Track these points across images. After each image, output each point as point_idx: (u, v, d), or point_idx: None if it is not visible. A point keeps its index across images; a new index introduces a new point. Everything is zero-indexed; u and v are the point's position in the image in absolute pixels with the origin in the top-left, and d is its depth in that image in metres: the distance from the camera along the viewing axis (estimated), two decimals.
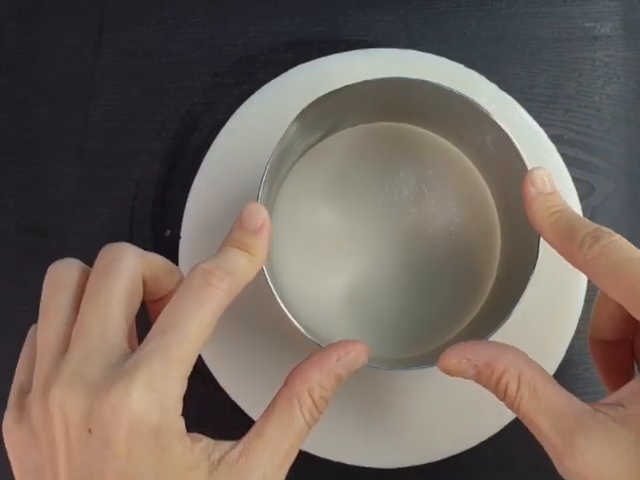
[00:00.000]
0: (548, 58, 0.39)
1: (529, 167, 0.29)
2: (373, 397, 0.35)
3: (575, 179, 0.36)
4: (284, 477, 0.25)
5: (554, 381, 0.25)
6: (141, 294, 0.26)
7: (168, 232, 0.38)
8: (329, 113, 0.33)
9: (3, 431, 0.25)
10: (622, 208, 0.38)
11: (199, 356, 0.35)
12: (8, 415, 0.25)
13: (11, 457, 0.25)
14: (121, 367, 0.23)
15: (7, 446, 0.25)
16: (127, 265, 0.25)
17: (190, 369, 0.24)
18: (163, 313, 0.24)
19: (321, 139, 0.36)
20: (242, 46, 0.39)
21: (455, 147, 0.36)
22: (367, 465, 0.35)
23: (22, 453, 0.25)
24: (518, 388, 0.25)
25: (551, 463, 0.37)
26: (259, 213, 0.26)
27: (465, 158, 0.36)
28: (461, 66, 0.36)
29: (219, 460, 0.24)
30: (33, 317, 0.38)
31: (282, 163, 0.33)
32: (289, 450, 0.25)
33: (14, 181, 0.39)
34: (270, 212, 0.35)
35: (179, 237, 0.36)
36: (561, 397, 0.25)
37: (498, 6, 0.39)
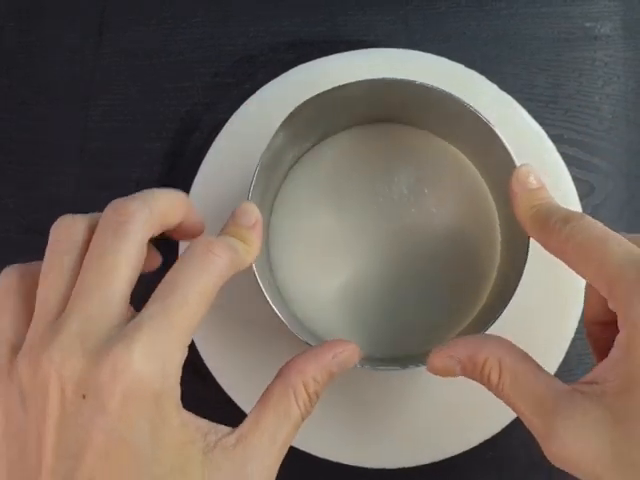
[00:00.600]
0: (548, 58, 0.39)
1: (518, 164, 0.30)
2: (373, 397, 0.35)
3: (575, 179, 0.36)
4: (277, 468, 0.25)
5: (535, 364, 0.25)
6: (145, 255, 0.25)
7: None
8: (320, 116, 0.33)
9: None
10: (622, 207, 0.38)
11: (199, 356, 0.35)
12: None
13: None
14: (122, 330, 0.22)
15: None
16: (136, 228, 0.24)
17: (190, 337, 0.24)
18: (165, 278, 0.24)
19: (319, 141, 0.36)
20: (242, 46, 0.39)
21: (454, 147, 0.36)
22: (367, 465, 0.35)
23: (7, 413, 0.24)
24: (500, 376, 0.25)
25: (551, 463, 0.38)
26: (252, 212, 0.27)
27: (464, 158, 0.36)
28: (461, 66, 0.36)
29: (215, 443, 0.24)
30: None
31: (276, 167, 0.33)
32: (285, 440, 0.25)
33: (14, 181, 0.39)
34: (269, 214, 0.36)
35: None
36: (541, 380, 0.25)
37: (498, 6, 0.39)
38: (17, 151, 0.39)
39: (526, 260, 0.30)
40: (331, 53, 0.37)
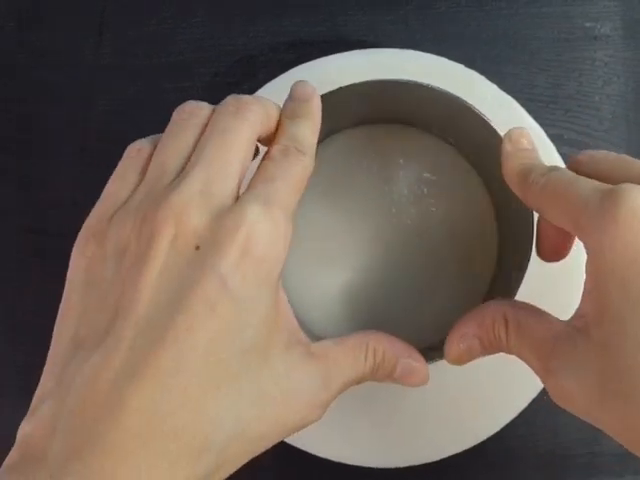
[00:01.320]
0: (548, 58, 0.39)
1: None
2: (372, 397, 0.35)
3: None
4: (326, 407, 0.26)
5: (537, 310, 0.26)
6: (253, 151, 0.26)
7: None
8: (322, 116, 0.32)
9: (74, 247, 0.25)
10: None
11: None
12: (85, 233, 0.25)
13: (74, 270, 0.24)
14: (241, 197, 0.23)
15: (72, 261, 0.25)
16: (254, 117, 0.25)
17: (293, 217, 0.25)
18: (260, 168, 0.25)
19: (319, 141, 0.36)
20: (242, 46, 0.39)
21: (453, 147, 0.36)
22: (367, 465, 0.35)
23: (92, 266, 0.24)
24: (507, 329, 0.26)
25: (551, 463, 0.38)
26: (307, 85, 0.28)
27: (464, 158, 0.36)
28: (461, 66, 0.36)
29: (295, 344, 0.25)
30: (33, 316, 0.38)
31: None
32: (344, 382, 0.26)
33: (14, 181, 0.39)
34: None
35: None
36: (543, 323, 0.25)
37: (498, 6, 0.39)
38: (17, 151, 0.39)
39: (529, 258, 0.30)
40: (331, 53, 0.37)
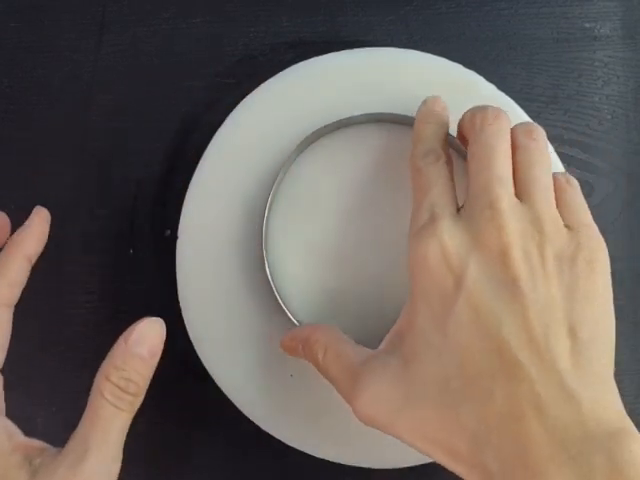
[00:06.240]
0: (547, 58, 0.39)
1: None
2: None
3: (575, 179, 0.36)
4: (119, 467, 0.27)
5: (352, 343, 0.30)
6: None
7: (168, 232, 0.38)
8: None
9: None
10: (621, 208, 0.38)
11: (198, 359, 0.35)
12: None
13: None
14: None
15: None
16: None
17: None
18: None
19: (317, 138, 0.36)
20: (242, 46, 0.39)
21: (451, 148, 0.36)
22: (366, 465, 0.35)
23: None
24: (325, 354, 0.29)
25: None
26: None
27: (461, 158, 0.36)
28: (460, 66, 0.36)
29: (39, 465, 0.27)
30: (32, 317, 0.38)
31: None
32: (115, 440, 0.27)
33: (14, 181, 0.39)
34: (268, 212, 0.36)
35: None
36: (352, 351, 0.29)
37: (498, 6, 0.39)
38: (17, 151, 0.39)
39: None
40: None
